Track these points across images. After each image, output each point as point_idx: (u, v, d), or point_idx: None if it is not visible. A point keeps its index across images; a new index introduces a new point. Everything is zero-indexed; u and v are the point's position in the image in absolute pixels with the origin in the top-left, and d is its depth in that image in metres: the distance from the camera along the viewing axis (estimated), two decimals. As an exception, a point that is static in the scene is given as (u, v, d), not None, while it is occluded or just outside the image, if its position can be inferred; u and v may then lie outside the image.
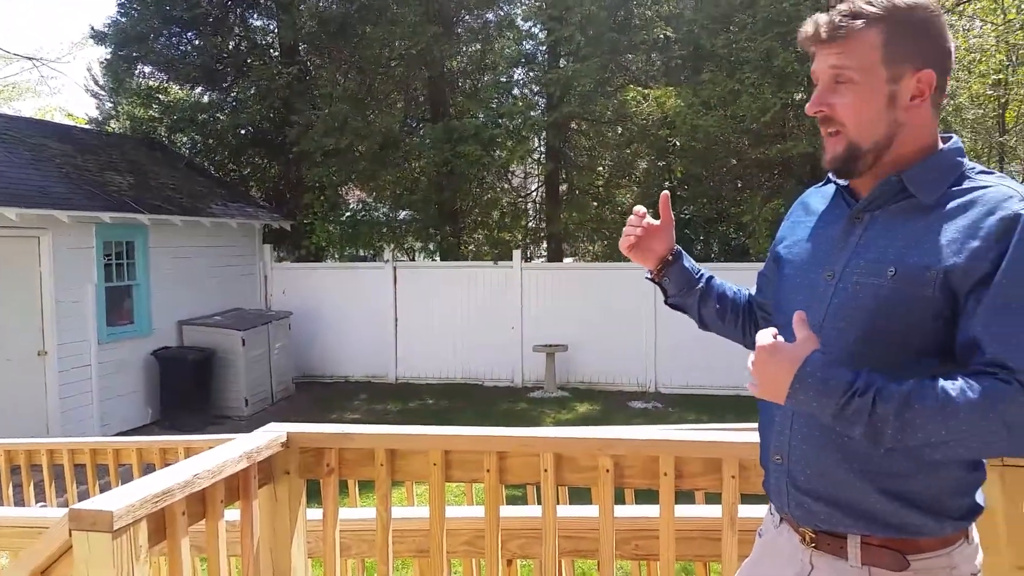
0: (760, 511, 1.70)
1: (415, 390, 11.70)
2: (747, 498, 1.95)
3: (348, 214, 14.80)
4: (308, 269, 13.09)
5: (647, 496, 2.17)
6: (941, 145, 1.39)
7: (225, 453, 2.01)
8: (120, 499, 1.66)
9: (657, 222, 1.81)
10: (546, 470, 2.06)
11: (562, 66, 13.35)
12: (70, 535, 1.70)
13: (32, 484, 4.39)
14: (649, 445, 2.01)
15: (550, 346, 11.30)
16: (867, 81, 1.35)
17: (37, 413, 8.39)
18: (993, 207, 1.27)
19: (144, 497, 1.70)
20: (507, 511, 2.40)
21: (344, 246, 14.43)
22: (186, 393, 9.79)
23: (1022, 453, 1.19)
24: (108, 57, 15.08)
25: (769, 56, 10.79)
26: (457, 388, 11.73)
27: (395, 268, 12.39)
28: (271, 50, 15.03)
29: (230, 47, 14.71)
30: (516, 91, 14.76)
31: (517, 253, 12.27)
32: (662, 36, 13.07)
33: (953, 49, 1.39)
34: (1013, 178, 1.47)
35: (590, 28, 12.59)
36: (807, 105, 1.43)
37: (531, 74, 14.77)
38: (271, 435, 2.20)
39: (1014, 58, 12.19)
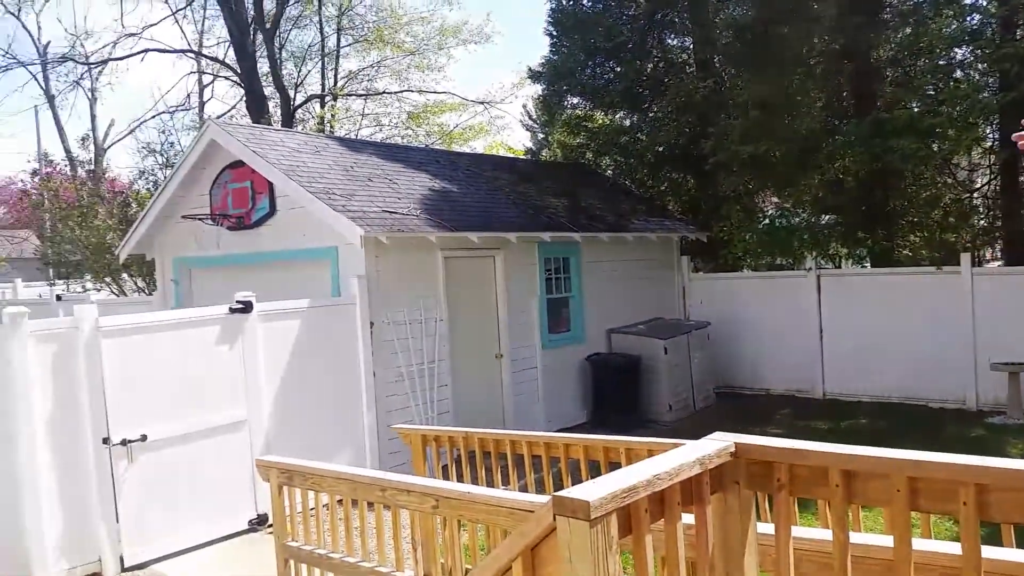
0: None
1: (845, 408, 10.92)
2: None
3: (765, 222, 14.47)
4: (724, 279, 13.09)
5: None
6: None
7: (680, 457, 2.11)
8: (595, 491, 1.84)
9: None
10: (1045, 511, 1.78)
11: (1020, 37, 11.39)
12: (554, 519, 1.94)
13: (499, 469, 5.07)
14: None
15: (1014, 364, 9.64)
16: None
17: (496, 407, 9.71)
18: None
19: (614, 492, 1.86)
20: (987, 552, 2.12)
21: (761, 255, 14.10)
22: (614, 396, 10.48)
23: None
24: (542, 93, 16.95)
25: None
26: (894, 408, 10.67)
27: (818, 276, 11.77)
28: (686, 67, 15.42)
29: (648, 70, 15.44)
30: (959, 73, 12.98)
31: (965, 257, 10.73)
32: None
33: None
34: None
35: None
36: None
37: (978, 52, 12.84)
38: (719, 444, 2.24)
39: None
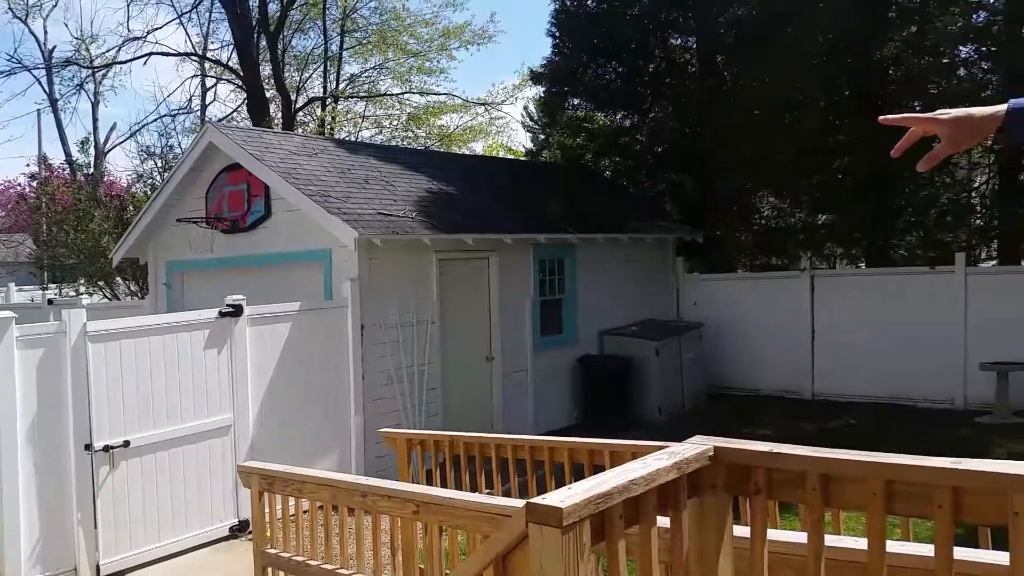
0: None
1: (834, 408, 10.90)
2: None
3: (761, 223, 14.46)
4: (718, 280, 13.04)
5: None
6: None
7: (657, 462, 2.07)
8: (569, 498, 1.80)
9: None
10: (1016, 513, 1.74)
11: (1025, 34, 11.36)
12: (527, 526, 1.90)
13: (483, 473, 5.01)
14: None
15: (1003, 364, 9.62)
16: None
17: (485, 410, 9.67)
18: None
19: (588, 498, 1.82)
20: (961, 553, 2.09)
21: (756, 255, 14.07)
22: (605, 398, 10.46)
23: None
24: (543, 94, 16.93)
25: None
26: (883, 409, 10.65)
27: (812, 276, 11.74)
28: (689, 66, 15.38)
29: (650, 69, 15.39)
30: (962, 71, 12.95)
31: (960, 256, 10.71)
32: None
33: None
34: None
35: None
36: None
37: (983, 50, 12.83)
38: (699, 448, 2.20)
39: None
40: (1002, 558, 1.89)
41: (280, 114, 23.01)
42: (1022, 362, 9.60)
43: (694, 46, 15.35)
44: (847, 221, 13.07)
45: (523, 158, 25.05)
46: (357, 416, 8.00)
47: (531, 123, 32.96)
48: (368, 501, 3.57)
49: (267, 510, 4.40)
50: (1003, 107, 1.51)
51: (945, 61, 12.64)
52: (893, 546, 2.21)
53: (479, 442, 4.88)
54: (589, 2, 15.36)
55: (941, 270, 10.77)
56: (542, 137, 27.71)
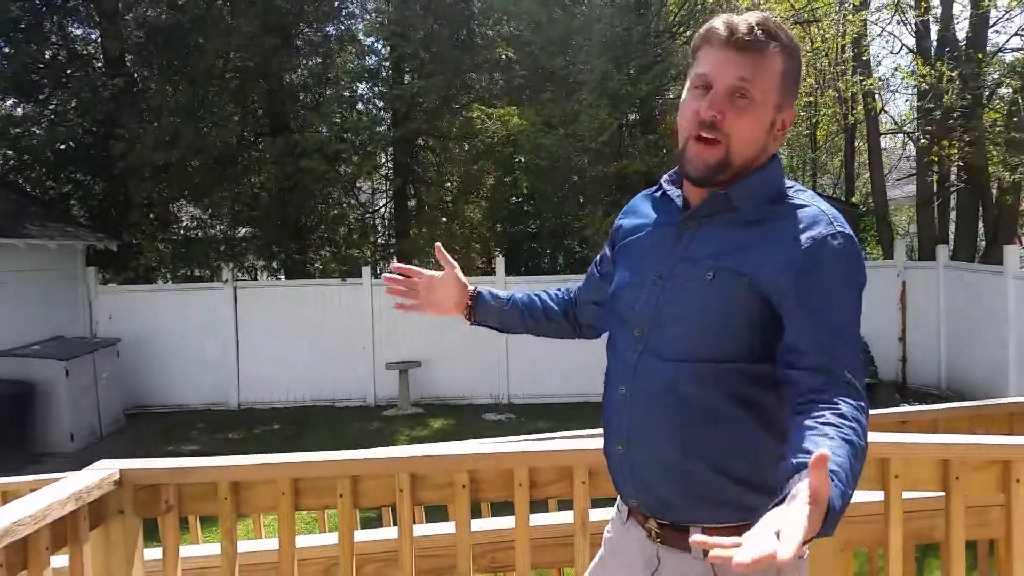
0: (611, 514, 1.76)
1: (260, 415, 11.21)
2: (598, 502, 2.02)
3: (181, 232, 14.06)
4: (137, 292, 12.20)
5: (504, 508, 2.20)
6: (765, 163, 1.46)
7: (50, 496, 1.85)
8: (-81, 559, 1.49)
9: (439, 274, 1.88)
10: (401, 490, 2.04)
11: (407, 82, 13.34)
12: None
13: None
14: (503, 458, 2.04)
15: (403, 363, 11.19)
16: (762, 102, 1.38)
17: None
18: (804, 227, 1.34)
19: (-50, 553, 1.54)
20: (362, 535, 2.36)
21: (177, 266, 13.63)
22: (1, 431, 8.89)
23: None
24: None
25: (604, 79, 11.26)
26: (306, 411, 11.36)
27: (235, 288, 11.85)
28: (94, 60, 14.04)
29: (46, 56, 13.61)
30: (361, 106, 14.59)
31: (366, 270, 12.06)
32: (504, 56, 13.38)
33: None
34: (823, 191, 1.59)
35: (433, 46, 12.67)
36: (703, 108, 1.38)
37: (376, 89, 14.67)
38: (102, 473, 2.04)
39: (822, 82, 13.47)
40: (394, 533, 2.17)
41: None
42: (417, 360, 11.26)
43: (98, 39, 14.13)
44: (266, 234, 13.57)
45: None
46: None
47: None
48: None
49: None
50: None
51: (347, 94, 14.12)
52: (304, 540, 2.37)
53: None
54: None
55: (351, 282, 11.94)
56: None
